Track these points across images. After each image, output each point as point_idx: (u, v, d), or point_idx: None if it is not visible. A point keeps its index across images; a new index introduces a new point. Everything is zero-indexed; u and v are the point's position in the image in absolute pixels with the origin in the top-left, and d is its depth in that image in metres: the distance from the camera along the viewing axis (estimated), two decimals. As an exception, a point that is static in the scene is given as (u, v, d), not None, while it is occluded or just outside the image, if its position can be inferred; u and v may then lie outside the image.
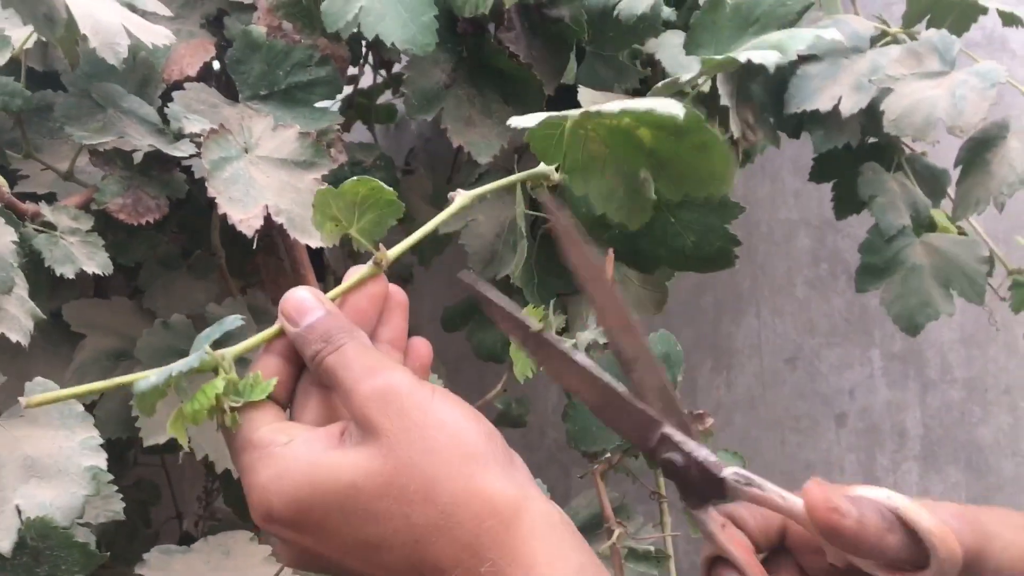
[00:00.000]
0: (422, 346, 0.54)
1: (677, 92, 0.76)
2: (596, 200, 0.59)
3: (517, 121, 0.50)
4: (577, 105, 0.80)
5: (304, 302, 0.49)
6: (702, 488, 0.46)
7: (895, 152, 1.05)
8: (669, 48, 0.84)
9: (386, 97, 1.21)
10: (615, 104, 0.49)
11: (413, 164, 1.23)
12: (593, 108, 0.48)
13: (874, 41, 1.00)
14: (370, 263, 0.51)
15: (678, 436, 0.47)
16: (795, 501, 0.44)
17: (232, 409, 0.47)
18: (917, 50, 0.95)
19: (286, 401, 0.50)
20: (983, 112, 0.89)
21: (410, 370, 0.47)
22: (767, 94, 0.98)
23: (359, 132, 1.20)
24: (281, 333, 0.50)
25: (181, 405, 0.48)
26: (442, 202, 1.11)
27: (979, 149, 0.96)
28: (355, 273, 0.51)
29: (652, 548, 0.79)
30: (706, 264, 0.89)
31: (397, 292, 0.53)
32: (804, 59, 0.97)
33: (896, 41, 1.01)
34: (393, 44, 0.74)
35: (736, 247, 0.83)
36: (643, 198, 0.58)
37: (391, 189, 0.52)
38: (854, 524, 0.42)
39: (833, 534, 0.42)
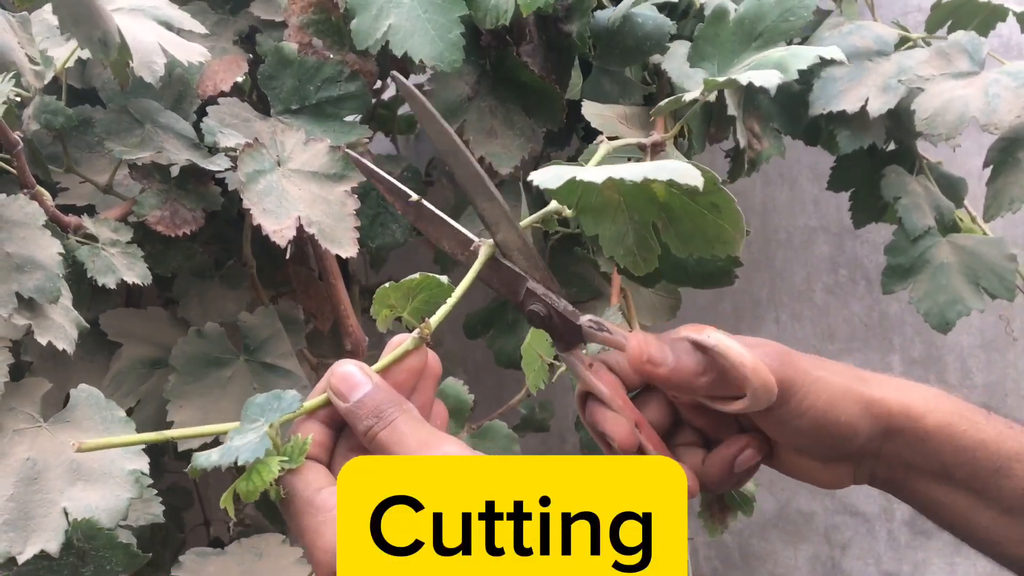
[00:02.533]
0: (442, 409, 0.56)
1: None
2: (605, 243, 0.61)
3: (540, 180, 0.52)
4: (580, 119, 0.82)
5: (352, 376, 0.50)
6: (565, 334, 0.54)
7: (914, 158, 1.06)
8: (676, 59, 0.86)
9: (405, 108, 1.23)
10: (638, 171, 0.50)
11: (434, 175, 1.25)
12: (616, 175, 0.50)
13: (897, 46, 1.02)
14: (415, 335, 0.52)
15: (540, 289, 0.54)
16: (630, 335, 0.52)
17: (277, 482, 0.48)
18: (946, 51, 0.96)
19: (327, 464, 0.51)
20: (1018, 110, 0.89)
21: (462, 443, 0.48)
22: (775, 104, 1.00)
23: (380, 143, 1.22)
24: (326, 403, 0.51)
25: (235, 483, 0.49)
26: (463, 212, 1.13)
27: (1011, 148, 0.95)
28: (398, 344, 0.52)
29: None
30: (706, 281, 0.91)
31: (434, 362, 0.54)
32: (828, 62, 0.99)
33: (918, 46, 1.02)
34: (421, 61, 0.76)
35: (737, 267, 0.84)
36: (651, 248, 0.60)
37: (445, 279, 0.54)
38: (667, 371, 0.50)
39: (652, 380, 0.51)
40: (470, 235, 0.55)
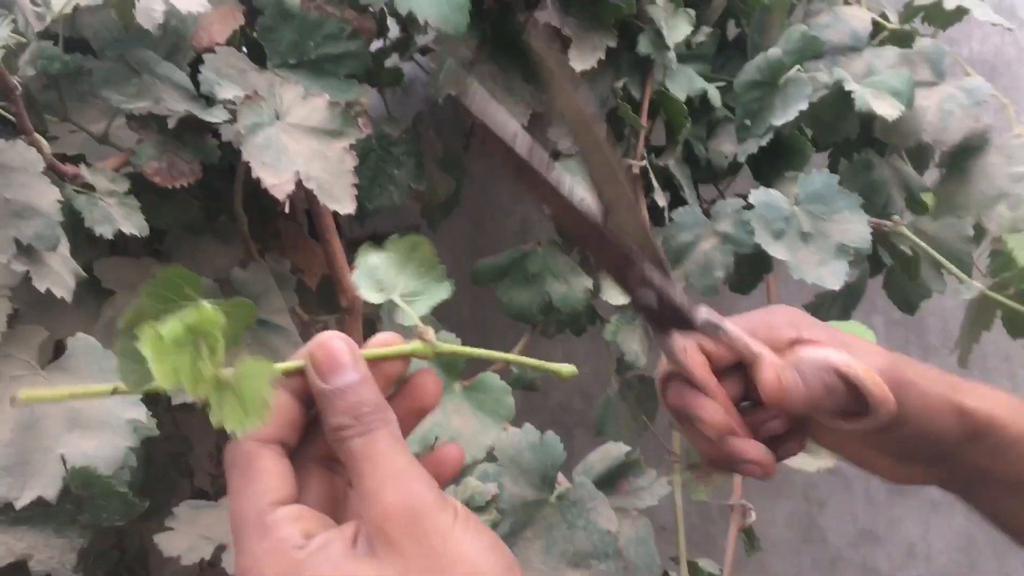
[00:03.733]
0: (454, 455, 0.48)
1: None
2: None
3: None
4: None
5: (339, 354, 0.43)
6: (672, 323, 0.51)
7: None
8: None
9: (392, 60, 1.22)
10: None
11: (420, 128, 1.25)
12: None
13: (872, 36, 1.06)
14: (418, 342, 0.46)
15: (656, 277, 0.50)
16: (758, 352, 0.51)
17: (222, 384, 0.40)
18: (911, 59, 1.01)
19: (293, 445, 0.45)
20: (966, 129, 0.96)
21: (434, 481, 0.42)
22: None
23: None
24: (300, 370, 0.44)
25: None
26: (453, 166, 1.13)
27: (961, 156, 1.00)
28: (395, 342, 0.46)
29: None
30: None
31: (433, 387, 0.47)
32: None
33: (893, 37, 1.06)
34: (427, 22, 0.76)
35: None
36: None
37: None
38: (801, 397, 0.49)
39: (784, 405, 0.50)
40: (579, 205, 0.48)
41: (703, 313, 0.51)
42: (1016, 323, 0.95)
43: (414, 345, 0.46)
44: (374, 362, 0.44)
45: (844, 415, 0.50)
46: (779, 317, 0.53)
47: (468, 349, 0.49)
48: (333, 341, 0.43)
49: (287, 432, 0.44)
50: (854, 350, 0.50)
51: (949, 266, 0.99)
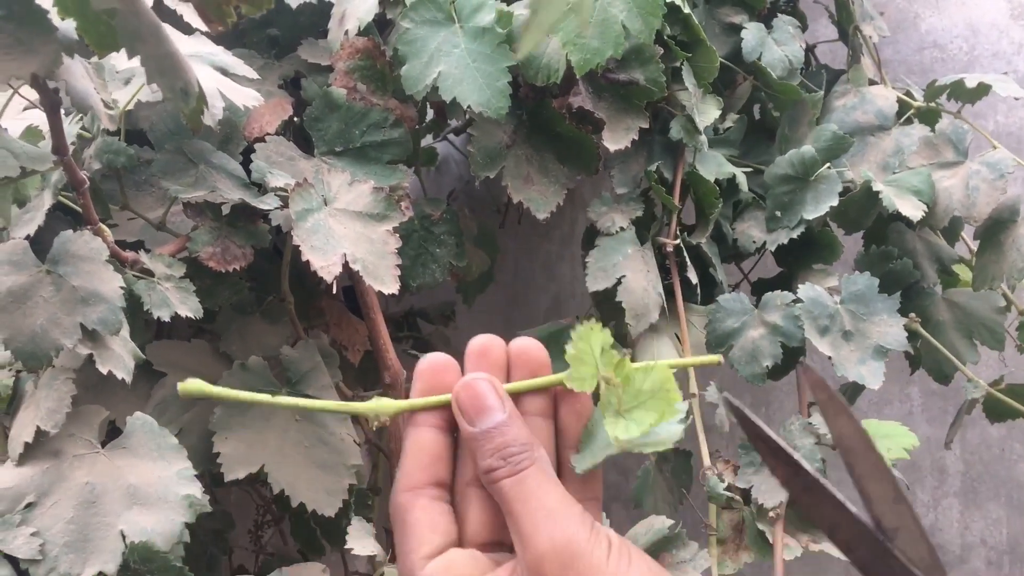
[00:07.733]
0: (598, 484, 0.47)
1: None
2: None
3: None
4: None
5: (483, 398, 0.43)
6: None
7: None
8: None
9: (427, 140, 1.26)
10: None
11: (454, 205, 1.29)
12: None
13: (899, 114, 1.10)
14: (564, 375, 0.45)
15: None
16: None
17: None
18: (934, 141, 1.06)
19: (447, 480, 0.45)
20: (995, 202, 1.00)
21: (587, 515, 0.42)
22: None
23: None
24: (446, 405, 0.45)
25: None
26: (487, 243, 1.16)
27: (994, 229, 1.03)
28: (545, 376, 0.46)
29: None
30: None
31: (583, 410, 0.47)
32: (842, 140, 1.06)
33: (919, 114, 1.10)
34: (469, 107, 0.80)
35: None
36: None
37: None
38: None
39: None
40: (869, 526, 0.45)
41: None
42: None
43: (559, 376, 0.46)
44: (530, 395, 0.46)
45: None
46: None
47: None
48: (478, 383, 0.44)
49: (437, 469, 0.45)
50: None
51: (958, 363, 1.04)
